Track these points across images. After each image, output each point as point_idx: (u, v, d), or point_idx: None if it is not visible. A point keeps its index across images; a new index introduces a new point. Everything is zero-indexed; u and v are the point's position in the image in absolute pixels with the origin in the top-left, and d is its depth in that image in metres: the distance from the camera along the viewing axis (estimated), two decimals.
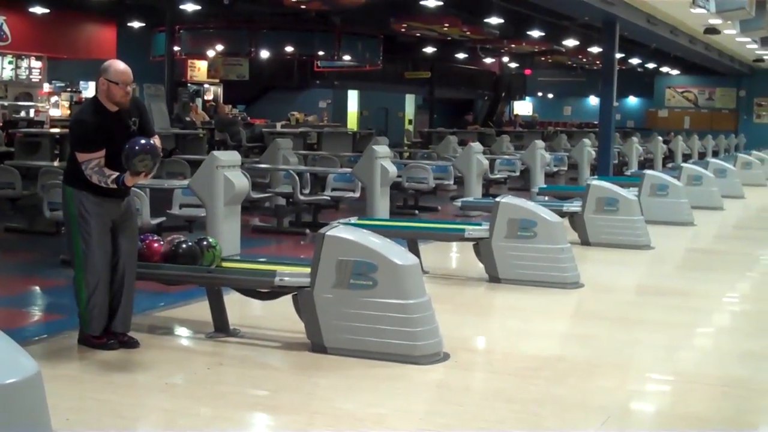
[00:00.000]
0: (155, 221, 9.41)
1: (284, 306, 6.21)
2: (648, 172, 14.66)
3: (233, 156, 9.88)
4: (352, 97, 34.26)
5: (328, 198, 12.61)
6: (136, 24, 25.76)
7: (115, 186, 5.84)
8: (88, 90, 26.99)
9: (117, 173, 5.81)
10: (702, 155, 27.55)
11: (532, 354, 6.31)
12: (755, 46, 26.80)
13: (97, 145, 5.83)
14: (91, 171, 5.81)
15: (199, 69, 29.94)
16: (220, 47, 28.00)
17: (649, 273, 10.17)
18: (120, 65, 6.03)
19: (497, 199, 8.87)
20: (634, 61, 33.91)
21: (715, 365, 6.27)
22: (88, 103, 6.34)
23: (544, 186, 16.16)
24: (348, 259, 5.89)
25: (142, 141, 5.80)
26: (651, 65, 36.45)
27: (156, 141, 6.03)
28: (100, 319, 5.99)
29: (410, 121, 36.85)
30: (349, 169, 12.98)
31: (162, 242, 6.56)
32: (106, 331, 6.04)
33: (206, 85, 30.29)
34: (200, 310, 6.68)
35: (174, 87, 24.86)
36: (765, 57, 31.21)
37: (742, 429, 4.98)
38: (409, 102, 37.55)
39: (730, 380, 5.82)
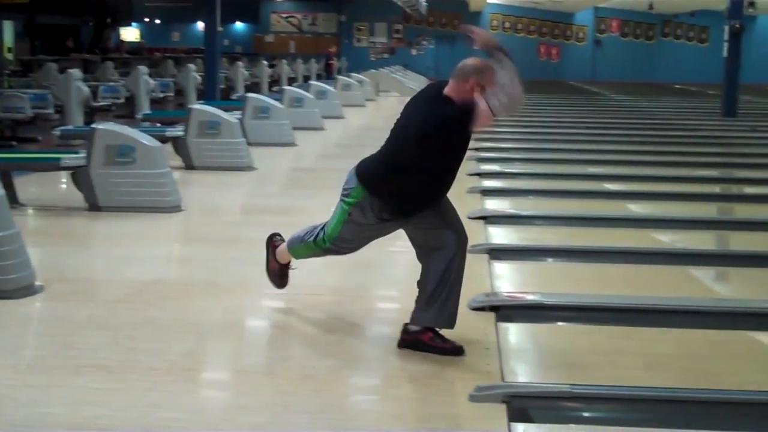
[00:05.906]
0: None
1: None
2: (250, 95, 14.92)
3: None
4: None
5: None
6: None
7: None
8: None
9: None
10: (307, 78, 28.38)
11: (131, 280, 6.29)
12: None
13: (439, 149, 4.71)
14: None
15: None
16: None
17: (252, 193, 10.42)
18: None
19: (93, 126, 8.73)
20: None
21: (311, 276, 6.56)
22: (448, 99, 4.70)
23: (149, 112, 15.98)
24: None
25: None
26: None
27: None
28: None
29: (9, 50, 34.80)
30: None
31: None
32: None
33: None
34: None
35: None
36: None
37: (350, 330, 5.27)
38: (8, 29, 35.39)
39: (326, 288, 6.13)
